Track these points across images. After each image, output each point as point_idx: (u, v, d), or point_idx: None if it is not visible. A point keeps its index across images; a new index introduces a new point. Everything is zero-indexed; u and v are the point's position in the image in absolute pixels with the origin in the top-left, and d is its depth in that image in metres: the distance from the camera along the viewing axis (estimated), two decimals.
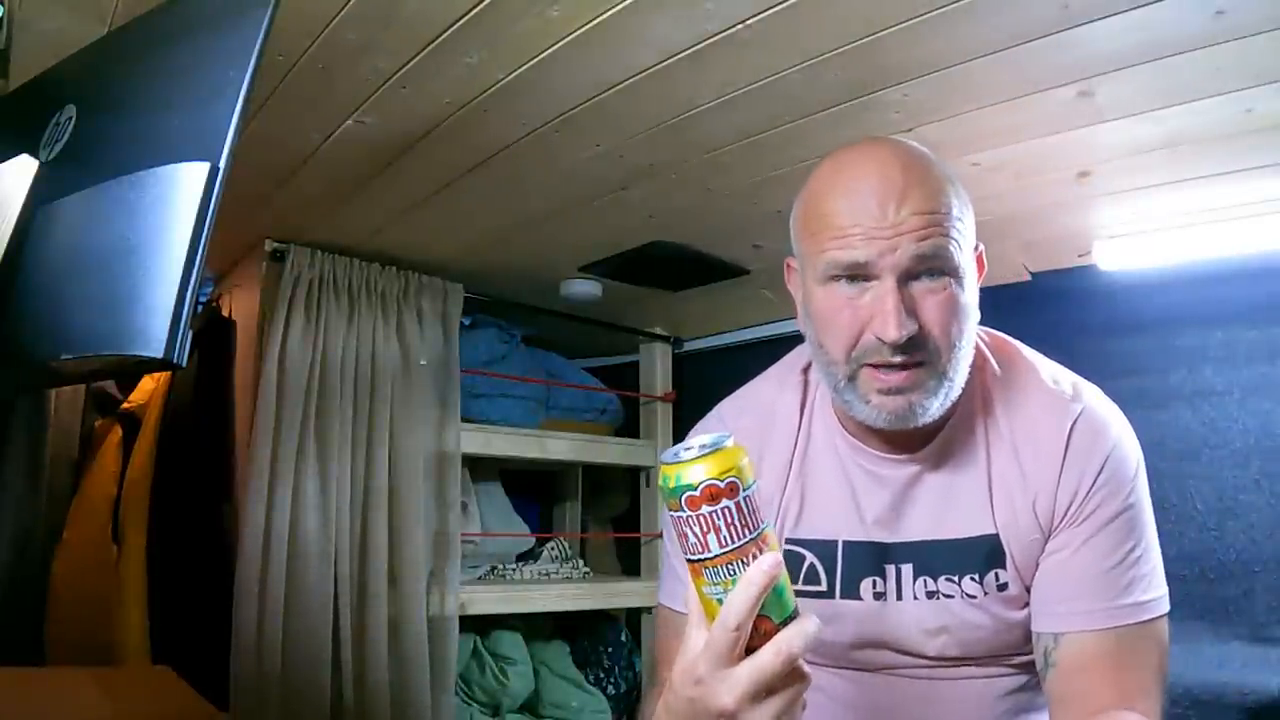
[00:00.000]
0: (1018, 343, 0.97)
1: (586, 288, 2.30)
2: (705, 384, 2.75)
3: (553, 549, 2.64)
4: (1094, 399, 0.91)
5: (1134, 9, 1.04)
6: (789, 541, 0.94)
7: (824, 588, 0.92)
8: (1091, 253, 1.81)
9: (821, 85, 1.27)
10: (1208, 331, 1.78)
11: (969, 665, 0.91)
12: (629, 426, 2.81)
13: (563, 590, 2.47)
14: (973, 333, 0.86)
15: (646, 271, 2.20)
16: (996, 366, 0.93)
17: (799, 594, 0.92)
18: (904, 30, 1.11)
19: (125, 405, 2.30)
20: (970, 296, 0.85)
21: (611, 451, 2.69)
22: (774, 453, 0.96)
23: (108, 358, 0.69)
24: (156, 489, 2.04)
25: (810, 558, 0.93)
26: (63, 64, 0.90)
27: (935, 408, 0.84)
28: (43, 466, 1.52)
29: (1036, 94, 1.26)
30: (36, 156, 0.78)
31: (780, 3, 1.07)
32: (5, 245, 0.75)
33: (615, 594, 2.62)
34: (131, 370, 1.78)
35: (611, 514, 3.01)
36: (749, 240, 1.96)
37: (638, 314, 2.65)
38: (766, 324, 2.55)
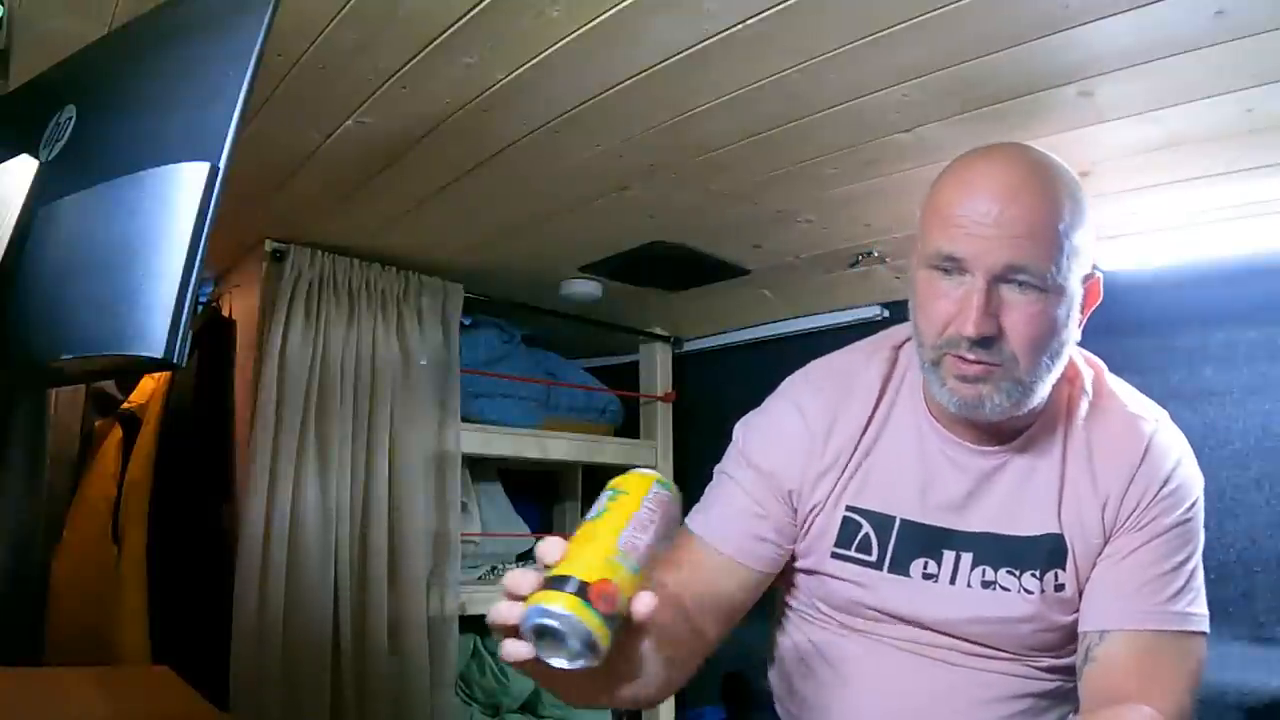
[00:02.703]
0: (1104, 365, 1.01)
1: (586, 288, 2.30)
2: (705, 384, 2.75)
3: None
4: (1169, 425, 0.95)
5: (1134, 9, 1.03)
6: (849, 509, 0.97)
7: (873, 559, 0.96)
8: None
9: (821, 85, 1.26)
10: (1208, 331, 1.78)
11: (998, 659, 0.93)
12: (629, 426, 2.81)
13: None
14: (1063, 352, 0.89)
15: (646, 271, 2.20)
16: (1088, 385, 0.97)
17: (848, 559, 0.97)
18: (904, 30, 1.11)
19: (125, 405, 2.30)
20: (1065, 315, 0.87)
21: (611, 452, 2.69)
22: (846, 420, 0.98)
23: (108, 358, 0.69)
24: (156, 489, 2.04)
25: (866, 527, 0.96)
26: (63, 64, 0.90)
27: (1006, 405, 0.87)
28: (43, 466, 1.51)
29: (1036, 94, 1.26)
30: (36, 156, 0.78)
31: (780, 3, 1.07)
32: (5, 245, 0.75)
33: None
34: (131, 370, 1.78)
35: None
36: (749, 240, 1.96)
37: (638, 314, 2.65)
38: (766, 324, 2.55)
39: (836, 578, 0.98)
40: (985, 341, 0.84)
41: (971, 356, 0.85)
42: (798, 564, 1.02)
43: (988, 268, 0.83)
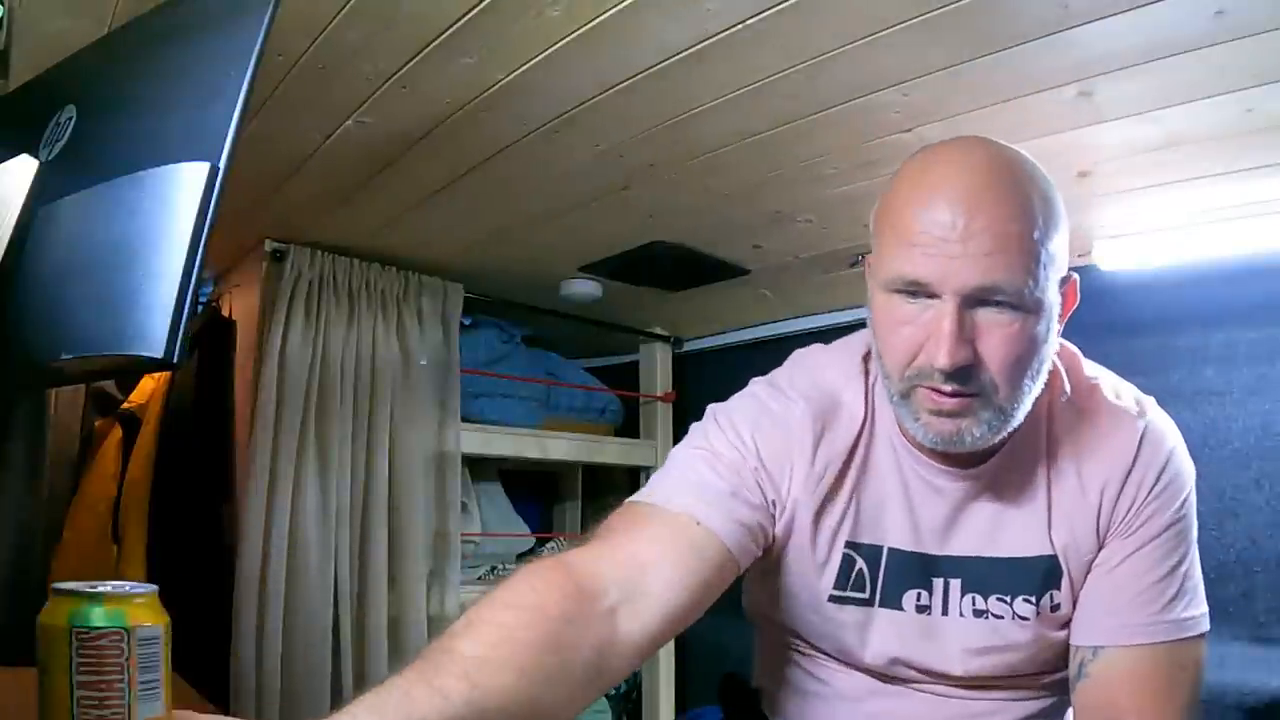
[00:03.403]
0: (1078, 353, 0.93)
1: (586, 288, 2.30)
2: (705, 384, 2.75)
3: (553, 549, 2.64)
4: (1155, 412, 0.89)
5: (1134, 9, 1.03)
6: (848, 545, 0.88)
7: (866, 595, 0.89)
8: (1091, 253, 1.81)
9: (821, 85, 1.26)
10: (1208, 331, 1.78)
11: (997, 689, 0.90)
12: (629, 426, 2.81)
13: None
14: (1042, 369, 0.81)
15: (646, 271, 2.20)
16: (1065, 383, 0.89)
17: (845, 600, 0.88)
18: (904, 30, 1.11)
19: (125, 405, 2.29)
20: (1045, 331, 0.79)
21: (611, 451, 2.69)
22: (834, 436, 0.88)
23: (108, 358, 0.69)
24: (156, 489, 2.04)
25: (860, 563, 0.88)
26: (63, 64, 0.90)
27: (986, 436, 0.80)
28: (43, 467, 1.51)
29: (1036, 94, 1.26)
30: (36, 156, 0.78)
31: (780, 3, 1.07)
32: (5, 245, 0.75)
33: None
34: (131, 370, 1.78)
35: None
36: (749, 240, 1.96)
37: (638, 314, 2.65)
38: (766, 324, 2.55)
39: (834, 621, 0.90)
40: (960, 372, 0.75)
41: (947, 389, 0.76)
42: (793, 613, 0.93)
43: (957, 290, 0.74)
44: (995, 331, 0.76)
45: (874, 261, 0.84)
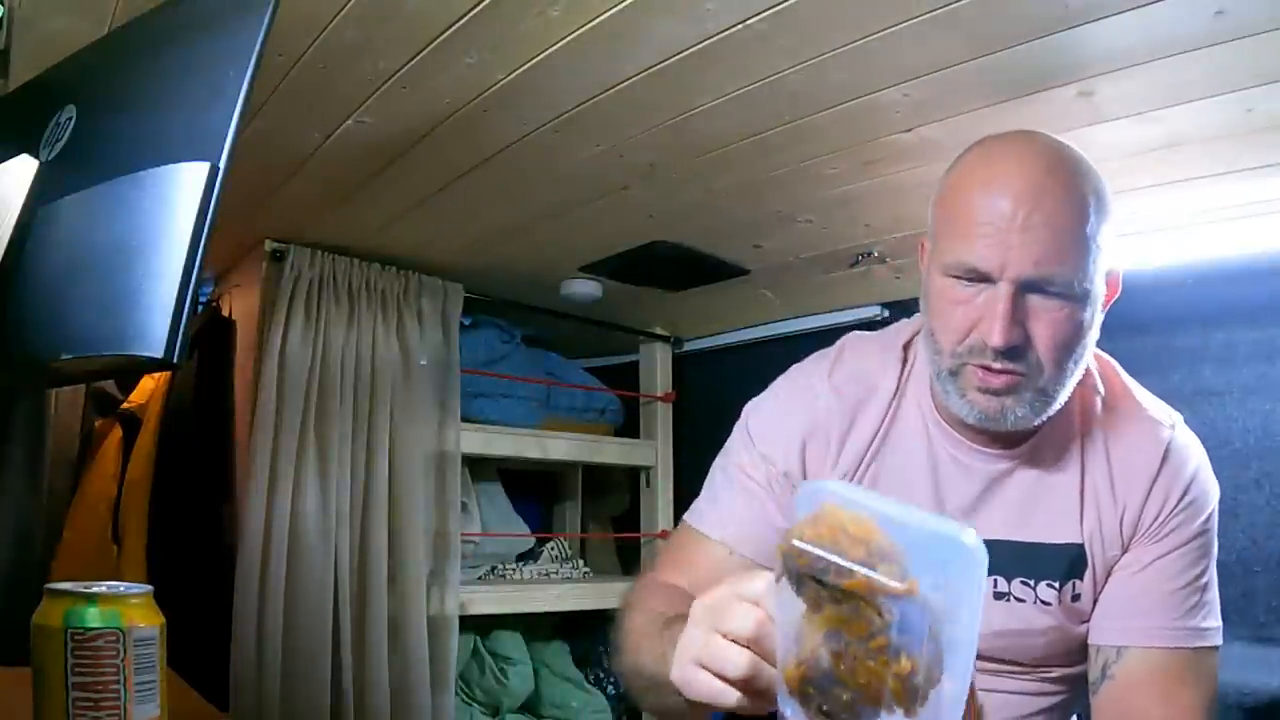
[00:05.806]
0: (1118, 365, 0.97)
1: (586, 288, 2.30)
2: (705, 384, 2.75)
3: (553, 549, 2.64)
4: (1185, 430, 0.92)
5: (1134, 9, 1.03)
6: None
7: None
8: None
9: (822, 85, 1.26)
10: (1208, 331, 1.78)
11: (1014, 678, 0.90)
12: (629, 426, 2.81)
13: (563, 590, 2.47)
14: (1085, 356, 0.85)
15: (646, 271, 2.20)
16: (1099, 383, 0.93)
17: None
18: (904, 30, 1.11)
19: (125, 405, 2.30)
20: (1090, 319, 0.84)
21: (611, 451, 2.69)
22: (862, 425, 0.94)
23: (108, 358, 0.69)
24: (156, 489, 2.04)
25: None
26: (63, 64, 0.90)
27: (1028, 417, 0.83)
28: (43, 466, 1.51)
29: (1036, 94, 1.26)
30: (36, 156, 0.78)
31: (780, 3, 1.07)
32: (5, 245, 0.75)
33: (615, 594, 2.58)
34: (131, 370, 1.78)
35: (611, 514, 3.01)
36: (749, 240, 1.96)
37: (638, 314, 2.65)
38: (766, 324, 2.55)
39: None
40: (1012, 351, 0.80)
41: (998, 366, 0.81)
42: None
43: (1013, 278, 0.79)
44: (1044, 316, 0.81)
45: (933, 244, 0.88)
